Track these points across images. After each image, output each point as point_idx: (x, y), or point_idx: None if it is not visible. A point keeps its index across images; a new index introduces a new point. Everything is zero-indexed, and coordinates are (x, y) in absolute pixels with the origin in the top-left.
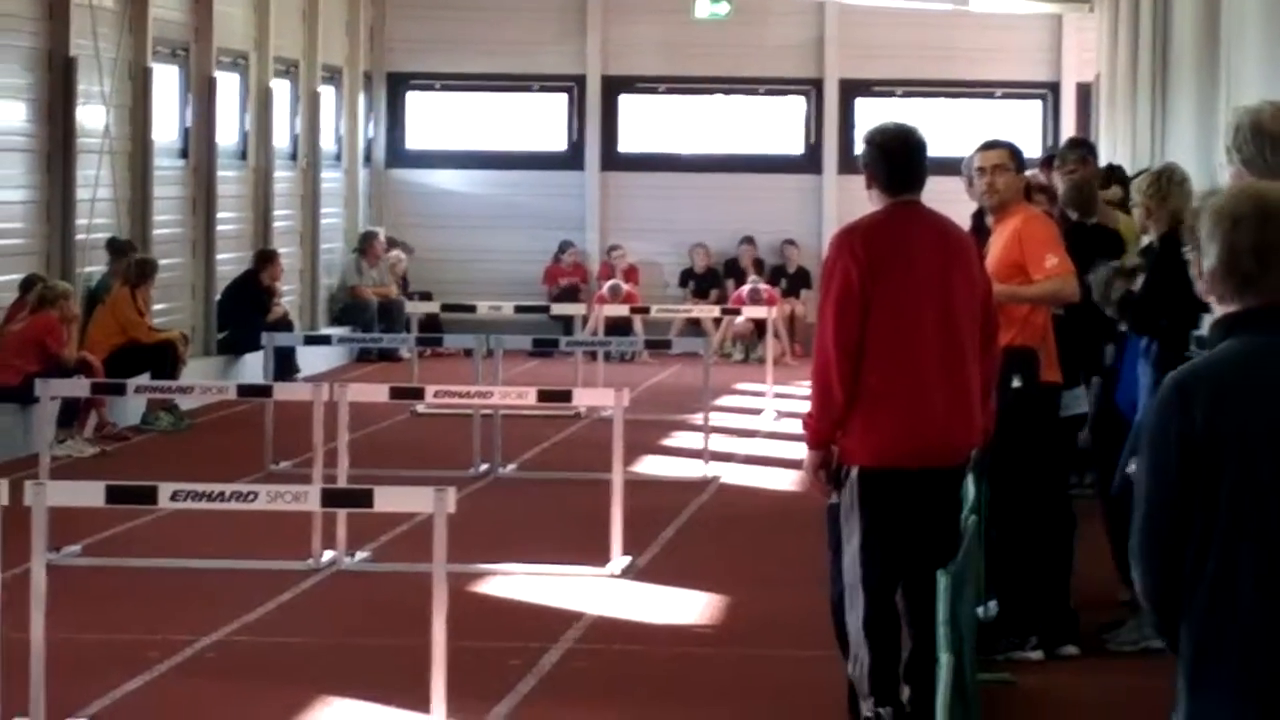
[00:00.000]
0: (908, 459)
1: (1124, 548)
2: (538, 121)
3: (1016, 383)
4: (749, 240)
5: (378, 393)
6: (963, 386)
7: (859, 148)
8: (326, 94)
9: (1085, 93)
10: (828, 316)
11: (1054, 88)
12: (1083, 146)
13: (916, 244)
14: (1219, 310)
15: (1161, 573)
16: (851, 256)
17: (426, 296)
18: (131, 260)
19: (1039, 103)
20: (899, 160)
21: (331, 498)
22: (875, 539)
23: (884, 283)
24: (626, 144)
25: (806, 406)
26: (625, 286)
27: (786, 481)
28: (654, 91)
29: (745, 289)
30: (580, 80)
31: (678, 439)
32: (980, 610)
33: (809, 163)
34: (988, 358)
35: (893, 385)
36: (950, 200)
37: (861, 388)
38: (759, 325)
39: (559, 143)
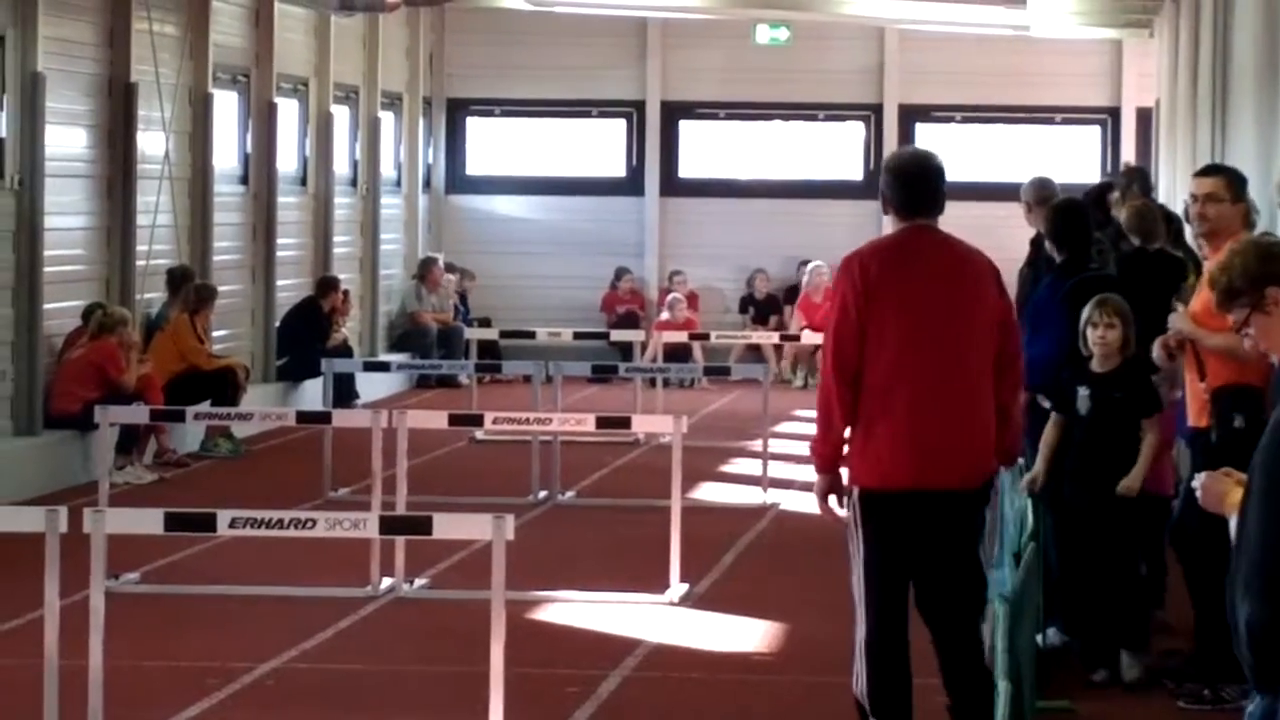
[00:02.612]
0: (905, 480)
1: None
2: (597, 147)
3: (1239, 422)
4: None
5: (437, 419)
6: (967, 409)
7: None
8: (386, 120)
9: (1145, 118)
10: (828, 340)
11: (1114, 113)
12: (1139, 176)
13: (921, 267)
14: None
15: (1277, 605)
16: (850, 281)
17: (485, 323)
18: (190, 287)
19: (1098, 128)
20: (911, 185)
21: (390, 525)
22: (877, 559)
23: (882, 306)
24: (686, 169)
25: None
26: (684, 302)
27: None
28: (714, 117)
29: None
30: (640, 105)
31: (737, 465)
32: (1039, 638)
33: (868, 188)
34: (1005, 382)
35: (889, 407)
36: (1006, 225)
37: (860, 410)
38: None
39: (618, 168)
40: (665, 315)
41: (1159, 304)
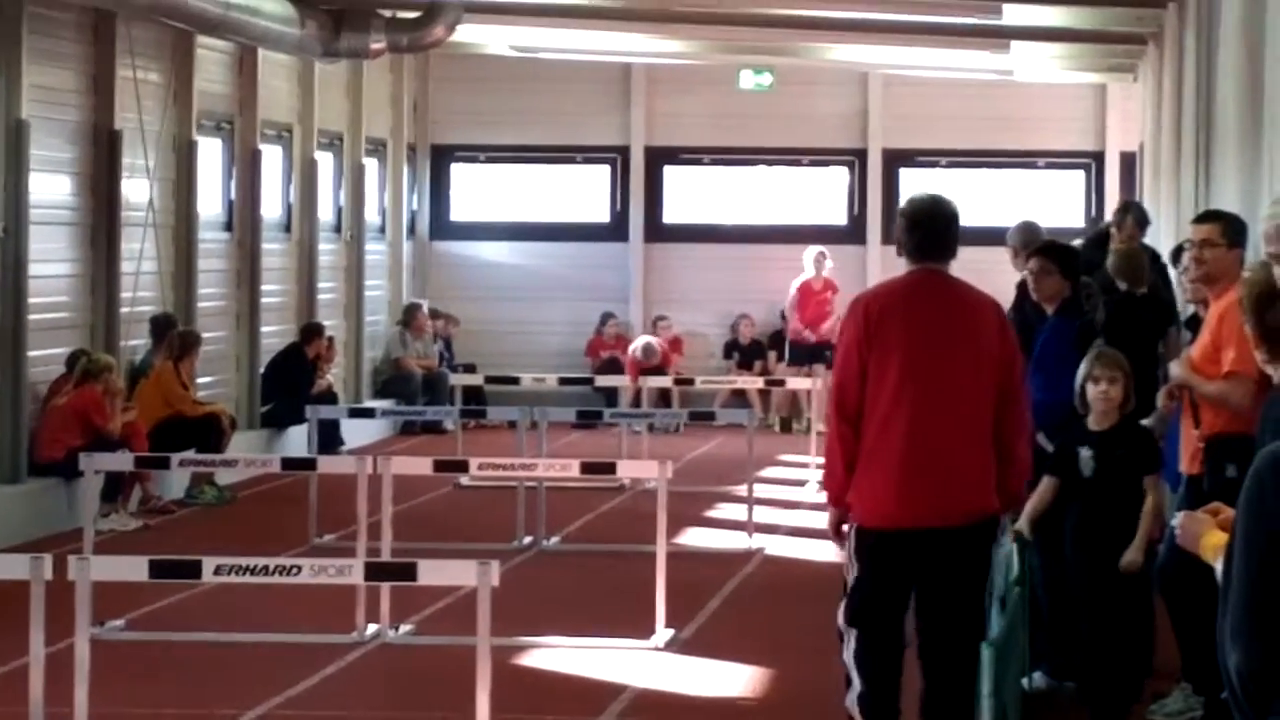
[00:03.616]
0: (896, 519)
1: (1183, 622)
2: (581, 193)
3: (1231, 471)
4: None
5: (422, 465)
6: (961, 448)
7: None
8: (370, 166)
9: (1129, 162)
10: (833, 381)
11: (1098, 157)
12: (1135, 209)
13: (921, 310)
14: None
15: (1265, 652)
16: (855, 320)
17: (470, 369)
18: (174, 334)
19: (1083, 172)
20: (921, 229)
21: (375, 571)
22: (866, 589)
23: (881, 347)
24: (670, 215)
25: None
26: (658, 343)
27: (831, 553)
28: (698, 162)
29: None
30: (624, 151)
31: (722, 511)
32: (1025, 682)
33: (853, 233)
34: (1006, 421)
35: (884, 446)
36: (992, 270)
37: (860, 448)
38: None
39: (603, 214)
40: (638, 355)
41: (1146, 349)
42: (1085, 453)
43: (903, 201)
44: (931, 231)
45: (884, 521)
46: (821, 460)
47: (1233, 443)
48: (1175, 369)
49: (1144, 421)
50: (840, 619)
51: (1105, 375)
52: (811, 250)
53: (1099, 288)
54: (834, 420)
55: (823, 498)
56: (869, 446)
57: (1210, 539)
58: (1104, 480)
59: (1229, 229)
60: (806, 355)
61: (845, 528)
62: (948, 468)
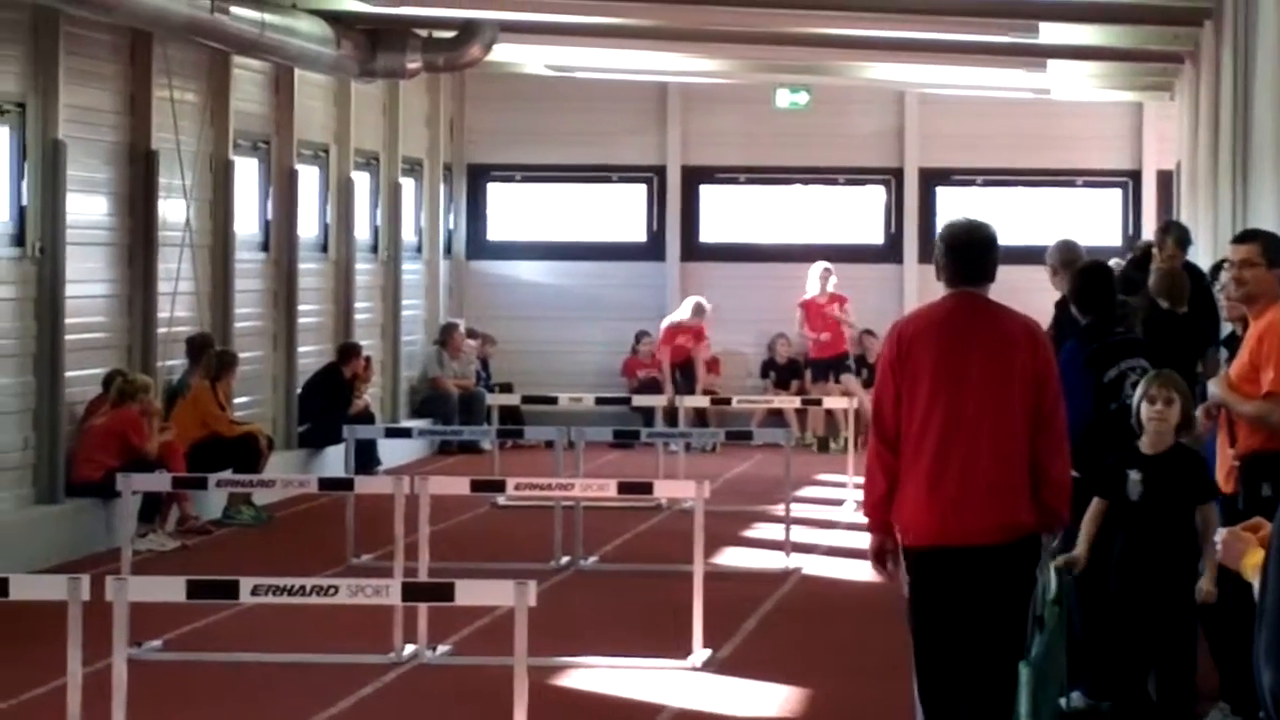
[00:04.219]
0: (931, 537)
1: (1221, 643)
2: (618, 212)
3: (1266, 490)
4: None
5: (459, 485)
6: (994, 467)
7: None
8: (407, 186)
9: (1166, 181)
10: (872, 404)
11: (1135, 176)
12: (1176, 229)
13: (954, 332)
14: None
15: None
16: (889, 348)
17: (507, 388)
18: (211, 354)
19: (1119, 191)
20: (958, 253)
21: (412, 591)
22: (918, 613)
23: (915, 370)
24: (707, 234)
25: None
26: (709, 305)
27: (868, 573)
28: (734, 181)
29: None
30: (660, 171)
31: (759, 530)
32: (1063, 702)
33: (889, 252)
34: (1041, 440)
35: (918, 467)
36: (1030, 289)
37: (900, 470)
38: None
39: (639, 233)
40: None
41: (1186, 368)
42: (1134, 475)
43: (941, 226)
44: (969, 256)
45: (922, 540)
46: (860, 479)
47: (1268, 461)
48: (1213, 388)
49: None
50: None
51: (1163, 396)
52: (817, 266)
53: (1141, 306)
54: (873, 442)
55: (860, 518)
56: (906, 466)
57: (1251, 557)
58: (1151, 506)
59: (1268, 248)
60: (825, 369)
61: (888, 554)
62: (978, 485)
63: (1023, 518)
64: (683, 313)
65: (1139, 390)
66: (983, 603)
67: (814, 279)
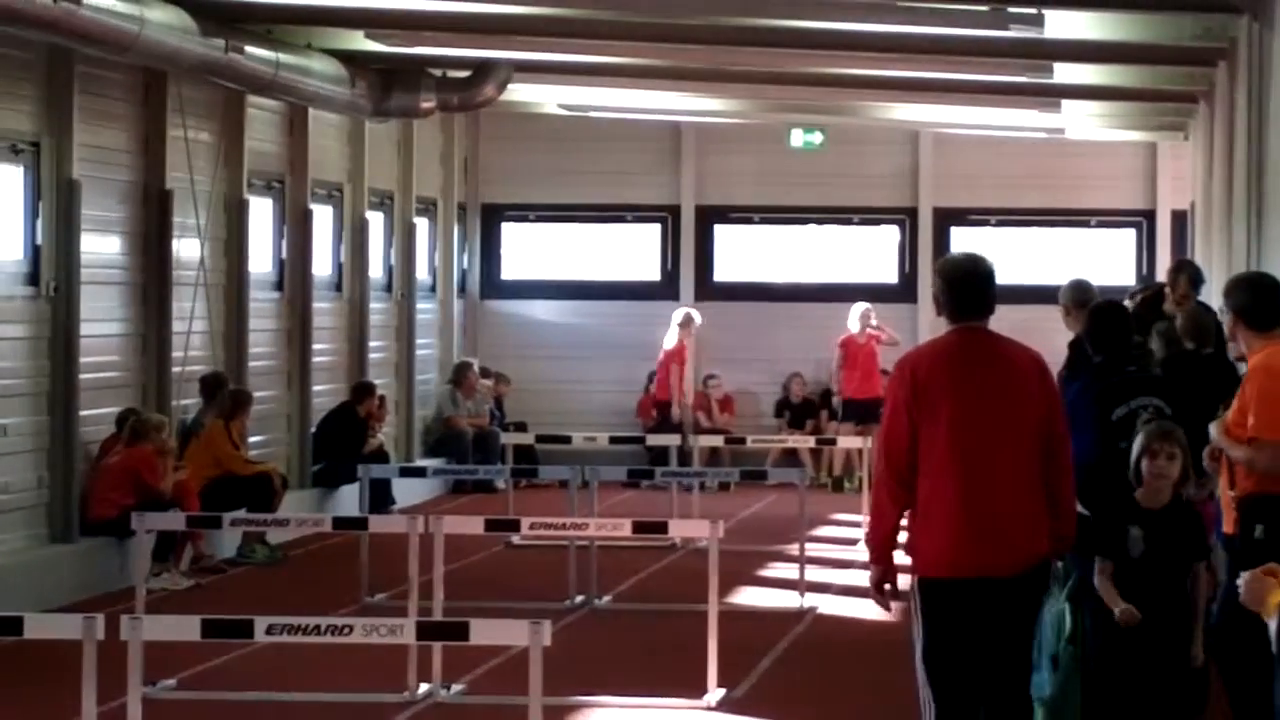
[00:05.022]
0: (958, 568)
1: (1236, 684)
2: (632, 251)
3: (1258, 533)
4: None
5: (473, 525)
6: (1015, 498)
7: None
8: (421, 225)
9: (1181, 220)
10: (882, 437)
11: (1149, 216)
12: (1189, 268)
13: (967, 367)
14: None
15: None
16: (902, 381)
17: (521, 427)
18: (226, 393)
19: (1134, 231)
20: (959, 288)
21: (427, 631)
22: (934, 645)
23: (931, 404)
24: (721, 273)
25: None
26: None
27: (883, 612)
28: (748, 221)
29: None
30: (674, 210)
31: (774, 570)
32: None
33: (904, 292)
34: (1053, 468)
35: (941, 499)
36: (1043, 329)
37: (917, 502)
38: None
39: (653, 273)
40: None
41: (1210, 409)
42: (1135, 532)
43: (937, 262)
44: (970, 290)
45: (944, 571)
46: None
47: (1261, 504)
48: (1213, 431)
49: (1189, 491)
50: (920, 675)
51: (1165, 451)
52: (859, 306)
53: (1160, 344)
54: (886, 478)
55: None
56: (925, 500)
57: (1275, 598)
58: (1152, 563)
59: None
60: (860, 413)
61: (888, 587)
62: (1002, 517)
63: (1040, 547)
64: (670, 339)
65: (1138, 442)
66: (999, 632)
67: (854, 318)
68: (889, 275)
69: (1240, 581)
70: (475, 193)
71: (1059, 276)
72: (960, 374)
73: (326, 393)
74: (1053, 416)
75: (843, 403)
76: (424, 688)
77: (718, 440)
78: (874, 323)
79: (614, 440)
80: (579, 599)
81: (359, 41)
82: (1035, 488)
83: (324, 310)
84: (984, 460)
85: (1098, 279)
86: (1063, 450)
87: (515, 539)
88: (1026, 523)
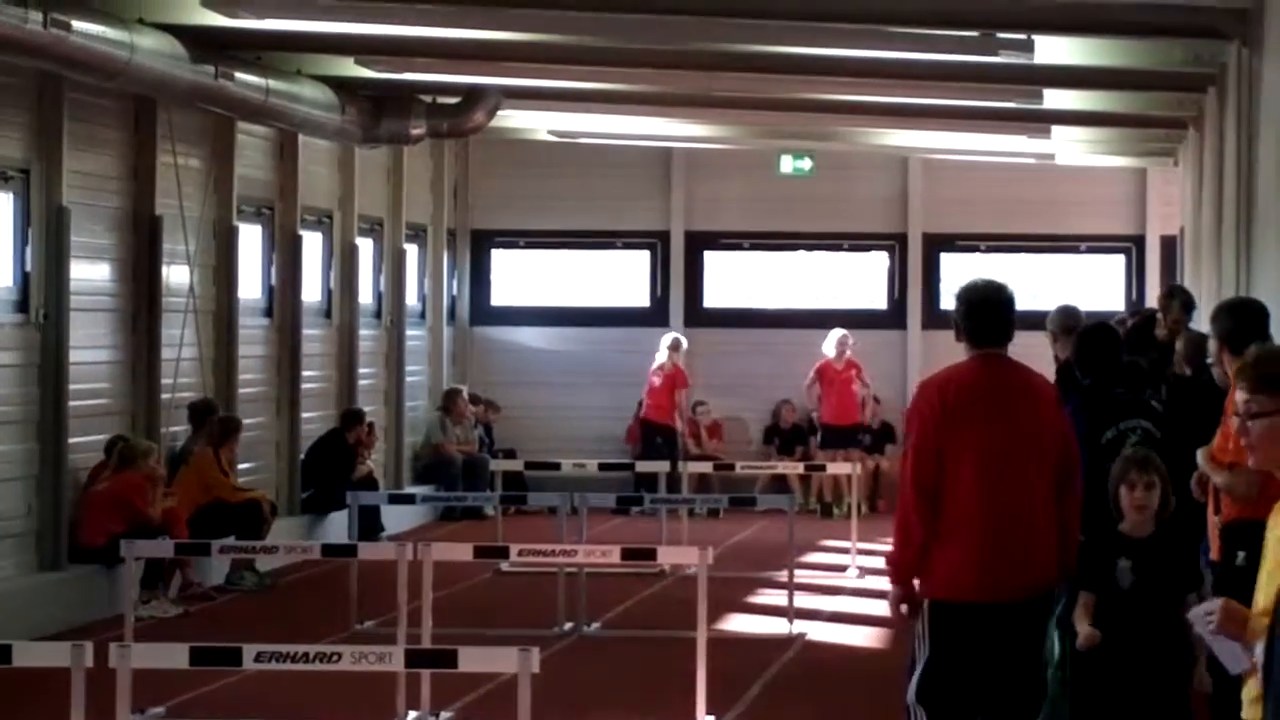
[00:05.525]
0: (973, 592)
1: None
2: (621, 278)
3: (1240, 559)
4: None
5: (462, 552)
6: (1034, 525)
7: (944, 302)
8: (411, 252)
9: (1170, 246)
10: (908, 459)
11: (1139, 241)
12: (1180, 294)
13: (992, 394)
14: None
15: None
16: (928, 405)
17: (510, 454)
18: (215, 420)
19: (1123, 256)
20: (979, 315)
21: (416, 658)
22: (939, 665)
23: (957, 429)
24: (710, 300)
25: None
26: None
27: (872, 639)
28: (738, 247)
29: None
30: (664, 236)
31: (762, 596)
32: None
33: (893, 318)
34: (1065, 499)
35: (965, 523)
36: (1031, 355)
37: (939, 525)
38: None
39: (643, 299)
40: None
41: (1204, 434)
42: (1123, 563)
43: (958, 287)
44: (992, 317)
45: (960, 594)
46: (862, 544)
47: (1242, 529)
48: (1200, 457)
49: None
50: (910, 695)
51: (1143, 481)
52: (836, 333)
53: (1154, 368)
54: (912, 498)
55: (863, 583)
56: (947, 522)
57: (1254, 622)
58: (1143, 594)
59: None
60: (839, 439)
61: (904, 608)
62: (1023, 542)
63: (1051, 573)
64: (662, 362)
65: (1115, 471)
66: (1008, 656)
67: (831, 344)
68: (878, 301)
69: (1210, 613)
70: (465, 219)
71: (1049, 302)
72: (987, 400)
73: (315, 420)
74: (1068, 444)
75: (821, 429)
76: (413, 715)
77: (706, 466)
78: (848, 354)
79: (603, 467)
80: (568, 626)
81: (349, 68)
82: (1051, 515)
83: (313, 337)
84: (1008, 486)
85: (1087, 304)
86: (1076, 481)
87: (504, 566)
88: (1043, 549)
